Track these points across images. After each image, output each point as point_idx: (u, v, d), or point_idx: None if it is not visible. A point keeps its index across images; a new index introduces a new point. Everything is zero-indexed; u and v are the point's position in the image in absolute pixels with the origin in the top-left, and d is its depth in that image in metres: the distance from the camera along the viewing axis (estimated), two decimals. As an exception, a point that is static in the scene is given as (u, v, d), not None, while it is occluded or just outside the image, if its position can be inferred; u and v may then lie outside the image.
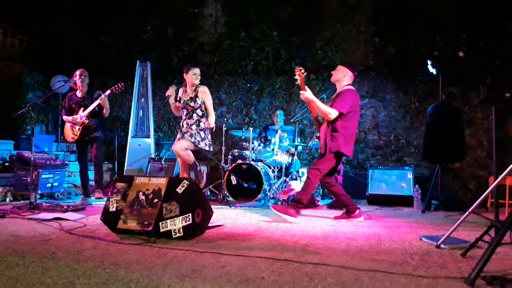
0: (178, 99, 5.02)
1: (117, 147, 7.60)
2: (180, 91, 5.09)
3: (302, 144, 6.58)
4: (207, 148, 4.92)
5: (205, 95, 4.92)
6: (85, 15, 8.67)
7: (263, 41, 8.04)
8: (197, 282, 2.10)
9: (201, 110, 4.92)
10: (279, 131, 6.17)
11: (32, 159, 5.03)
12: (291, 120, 7.02)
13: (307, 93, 4.22)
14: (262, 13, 8.06)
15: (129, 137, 7.51)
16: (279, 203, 5.61)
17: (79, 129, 5.36)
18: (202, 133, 4.87)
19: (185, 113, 4.96)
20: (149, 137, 7.54)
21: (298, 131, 6.79)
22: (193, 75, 4.87)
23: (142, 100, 7.64)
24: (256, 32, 8.10)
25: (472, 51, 6.62)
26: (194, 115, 4.89)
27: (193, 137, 4.81)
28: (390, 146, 7.28)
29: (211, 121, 4.97)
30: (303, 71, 4.22)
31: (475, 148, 6.75)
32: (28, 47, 8.75)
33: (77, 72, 5.46)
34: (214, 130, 5.27)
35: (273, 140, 6.11)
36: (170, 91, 4.91)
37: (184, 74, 4.95)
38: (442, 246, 2.96)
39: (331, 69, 7.50)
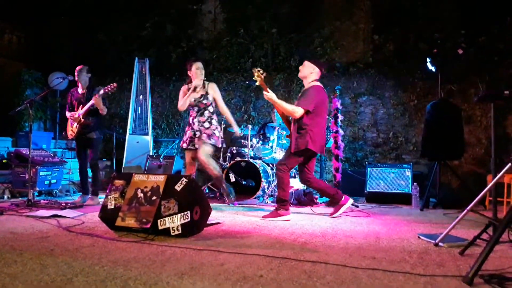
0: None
1: (115, 144, 7.58)
2: (183, 88, 4.94)
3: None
4: (221, 145, 4.95)
5: (215, 92, 4.86)
6: (83, 12, 8.64)
7: (262, 38, 8.01)
8: (195, 279, 2.10)
9: (212, 107, 4.87)
10: (277, 129, 6.16)
11: (30, 156, 5.01)
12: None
13: (269, 94, 4.27)
14: (261, 9, 8.03)
15: (128, 134, 7.50)
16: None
17: (76, 126, 5.28)
18: (217, 132, 4.83)
19: (195, 110, 4.83)
20: (148, 134, 7.52)
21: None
22: (196, 70, 4.78)
23: (141, 97, 7.62)
24: (255, 29, 8.08)
25: (471, 48, 6.61)
26: (206, 112, 4.82)
27: (212, 139, 4.74)
28: (388, 143, 7.27)
29: (231, 119, 4.96)
30: (261, 71, 4.25)
31: (474, 146, 6.75)
32: (26, 44, 8.72)
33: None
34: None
35: (271, 138, 6.11)
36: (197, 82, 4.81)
37: (188, 72, 4.86)
38: (440, 244, 2.96)
39: (330, 66, 7.58)
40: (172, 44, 8.47)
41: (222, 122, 6.28)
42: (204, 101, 4.80)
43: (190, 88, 4.83)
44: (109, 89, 5.07)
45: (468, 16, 6.75)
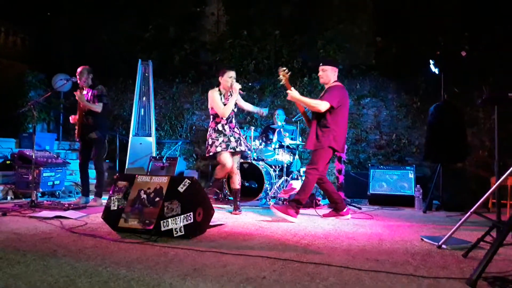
0: (223, 102, 4.84)
1: (118, 146, 7.59)
2: (216, 94, 4.77)
3: (303, 143, 6.57)
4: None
5: (238, 98, 4.92)
6: (87, 14, 8.67)
7: (265, 40, 8.02)
8: (198, 281, 2.10)
9: (235, 114, 4.95)
10: (281, 130, 6.17)
11: (33, 157, 5.03)
12: (293, 120, 7.00)
13: (292, 93, 4.28)
14: (264, 12, 8.05)
15: (131, 135, 7.51)
16: (280, 202, 5.61)
17: (78, 126, 5.29)
18: (242, 138, 4.92)
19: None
20: (151, 136, 7.53)
21: (299, 130, 6.78)
22: (228, 78, 4.75)
23: (144, 98, 7.64)
24: (258, 31, 8.09)
25: (475, 50, 6.60)
26: (233, 119, 4.89)
27: (244, 145, 4.87)
28: (391, 145, 7.26)
29: (254, 109, 5.16)
30: (286, 71, 4.27)
31: (477, 148, 6.73)
32: (30, 46, 8.75)
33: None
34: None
35: (274, 140, 6.11)
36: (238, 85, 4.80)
37: (220, 78, 4.83)
38: (443, 246, 2.96)
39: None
40: (175, 46, 8.49)
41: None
42: (235, 109, 4.89)
43: (221, 93, 4.82)
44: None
45: (471, 18, 6.73)
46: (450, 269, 2.41)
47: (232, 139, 4.77)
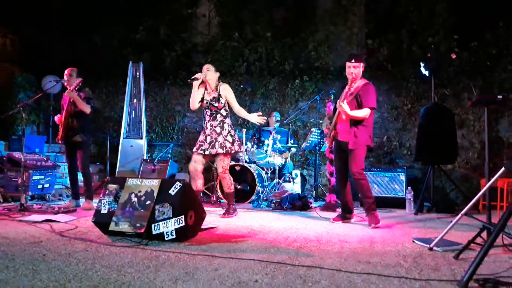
0: (201, 98, 4.70)
1: (109, 148, 7.53)
2: (201, 89, 4.71)
3: (296, 146, 6.59)
4: (238, 148, 4.72)
5: (227, 92, 4.69)
6: (77, 15, 8.61)
7: (257, 42, 8.02)
8: (189, 285, 2.09)
9: (225, 110, 4.69)
10: (272, 133, 6.17)
11: (23, 160, 4.96)
12: (285, 122, 7.02)
13: (345, 105, 4.14)
14: (256, 13, 8.05)
15: (121, 138, 7.46)
16: (272, 204, 5.60)
17: (61, 129, 5.21)
18: (229, 137, 4.62)
19: (208, 113, 4.68)
20: (142, 138, 7.49)
21: (291, 132, 6.79)
22: (207, 71, 4.65)
23: (135, 101, 7.59)
24: (250, 33, 8.09)
25: (465, 52, 6.67)
26: (218, 115, 4.64)
27: (224, 148, 4.55)
28: (382, 147, 7.29)
29: (247, 115, 4.71)
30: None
31: (467, 150, 6.79)
32: (20, 47, 8.66)
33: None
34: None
35: (266, 142, 6.11)
36: (199, 75, 4.57)
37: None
38: (434, 248, 2.97)
39: (324, 70, 7.58)
40: (167, 47, 8.46)
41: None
42: (216, 104, 4.61)
43: (205, 89, 4.71)
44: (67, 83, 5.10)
45: (461, 21, 6.80)
46: (441, 271, 2.42)
47: (208, 139, 4.62)
